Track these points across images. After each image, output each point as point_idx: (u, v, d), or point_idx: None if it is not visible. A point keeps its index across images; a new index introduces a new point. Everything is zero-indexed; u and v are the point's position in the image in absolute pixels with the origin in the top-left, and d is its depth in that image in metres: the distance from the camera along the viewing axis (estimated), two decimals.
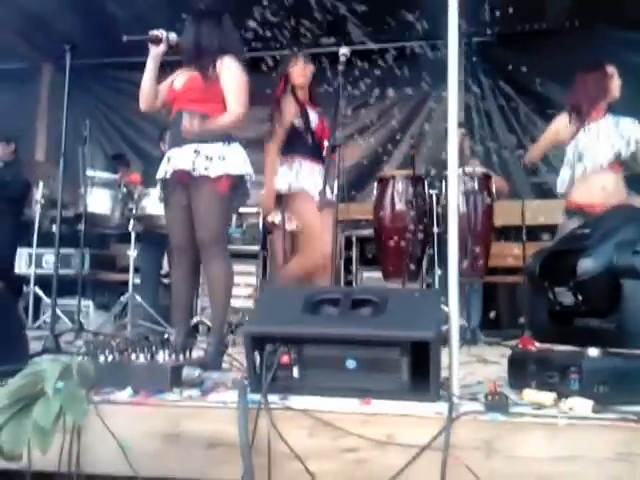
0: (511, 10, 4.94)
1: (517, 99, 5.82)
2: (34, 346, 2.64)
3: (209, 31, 2.69)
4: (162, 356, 1.91)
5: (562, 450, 1.47)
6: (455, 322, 1.79)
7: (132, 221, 4.44)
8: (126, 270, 4.71)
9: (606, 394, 1.61)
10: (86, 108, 5.99)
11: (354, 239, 5.12)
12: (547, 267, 2.06)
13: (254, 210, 4.83)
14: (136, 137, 6.66)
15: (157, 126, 5.28)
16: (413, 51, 5.82)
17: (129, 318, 4.39)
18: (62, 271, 3.44)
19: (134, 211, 4.40)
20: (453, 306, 1.79)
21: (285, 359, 1.78)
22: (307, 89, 3.53)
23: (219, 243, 2.65)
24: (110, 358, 1.89)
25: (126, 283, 4.57)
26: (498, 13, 5.05)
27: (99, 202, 4.40)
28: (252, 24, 4.67)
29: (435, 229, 4.10)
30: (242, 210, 4.63)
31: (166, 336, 2.01)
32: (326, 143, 3.08)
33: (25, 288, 4.97)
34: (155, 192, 4.05)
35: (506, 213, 4.40)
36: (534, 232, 4.47)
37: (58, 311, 3.72)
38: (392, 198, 4.22)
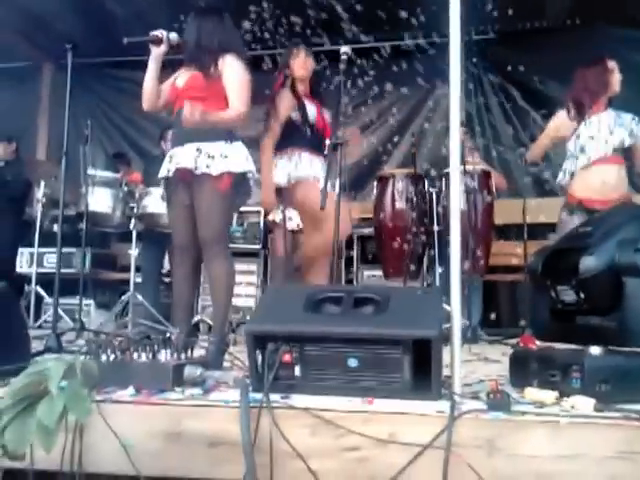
0: (512, 8, 4.94)
1: (518, 97, 5.81)
2: (35, 345, 2.64)
3: (210, 29, 2.68)
4: (164, 355, 1.91)
5: (564, 448, 1.47)
6: (457, 320, 1.79)
7: (133, 220, 4.45)
8: (127, 269, 4.72)
9: (608, 392, 1.61)
10: (87, 107, 5.99)
11: (355, 238, 5.11)
12: (549, 265, 2.06)
13: (255, 209, 4.84)
14: (137, 136, 6.67)
15: (158, 125, 5.28)
16: (413, 49, 5.80)
17: (130, 317, 4.40)
18: (63, 270, 3.43)
19: (135, 210, 4.40)
20: (455, 304, 1.79)
21: (287, 358, 1.78)
22: (307, 82, 3.49)
23: (221, 242, 2.65)
24: (112, 357, 1.89)
25: (127, 282, 4.58)
26: (499, 12, 5.04)
27: (100, 201, 4.41)
28: (248, 24, 4.65)
29: (435, 227, 4.10)
30: (243, 209, 4.63)
31: (168, 335, 2.01)
32: (327, 142, 3.05)
33: (26, 287, 4.98)
34: (156, 191, 4.08)
35: (507, 211, 4.40)
36: (535, 230, 4.47)
37: (59, 310, 3.72)
38: (392, 197, 4.23)
